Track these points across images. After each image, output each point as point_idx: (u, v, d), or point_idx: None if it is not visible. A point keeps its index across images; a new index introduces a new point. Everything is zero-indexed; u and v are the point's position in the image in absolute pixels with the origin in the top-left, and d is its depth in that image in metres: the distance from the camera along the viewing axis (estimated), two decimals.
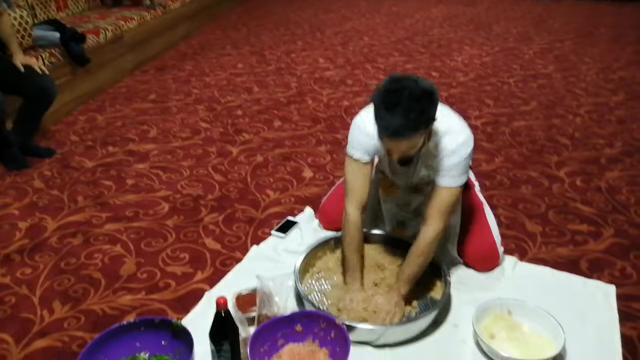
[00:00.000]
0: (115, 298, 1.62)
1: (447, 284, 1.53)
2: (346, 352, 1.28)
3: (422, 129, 1.31)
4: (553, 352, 1.34)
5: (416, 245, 1.49)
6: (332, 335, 1.37)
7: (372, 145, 1.49)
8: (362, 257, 1.60)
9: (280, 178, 2.35)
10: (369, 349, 1.41)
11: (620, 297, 1.59)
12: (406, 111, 1.25)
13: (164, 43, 4.47)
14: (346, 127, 2.88)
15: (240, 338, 1.36)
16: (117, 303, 1.60)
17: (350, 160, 1.53)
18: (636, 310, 1.56)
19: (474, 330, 1.41)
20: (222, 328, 1.27)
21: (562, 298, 1.59)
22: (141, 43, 4.04)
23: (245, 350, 1.31)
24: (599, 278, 1.69)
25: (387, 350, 1.41)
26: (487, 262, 1.70)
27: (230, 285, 1.62)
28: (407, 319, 1.47)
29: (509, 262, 1.74)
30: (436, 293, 1.57)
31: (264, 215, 2.06)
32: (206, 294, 1.61)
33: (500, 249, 1.72)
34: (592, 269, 1.74)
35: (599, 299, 1.59)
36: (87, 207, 2.12)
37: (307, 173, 2.40)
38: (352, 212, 1.54)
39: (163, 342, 1.36)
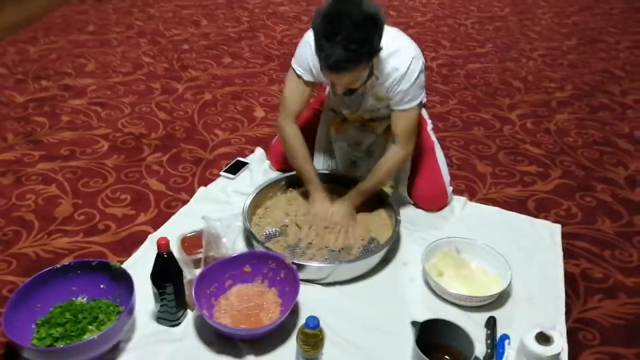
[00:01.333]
0: (50, 241, 1.52)
1: (397, 223, 1.52)
2: (295, 291, 1.25)
3: (365, 61, 1.25)
4: (499, 289, 1.36)
5: (383, 161, 1.51)
6: (282, 275, 1.33)
7: (316, 66, 1.41)
8: (313, 165, 1.60)
9: (230, 117, 2.24)
10: (317, 287, 1.39)
11: (565, 236, 1.63)
12: (347, 41, 1.18)
13: None
14: None
15: (186, 280, 1.31)
16: (52, 246, 1.50)
17: (292, 74, 1.50)
18: (579, 248, 1.60)
19: (423, 268, 1.41)
20: (165, 270, 1.21)
21: (510, 237, 1.61)
22: None
23: (191, 292, 1.26)
24: (545, 218, 1.72)
25: (336, 288, 1.39)
26: (436, 202, 1.70)
27: (176, 228, 1.54)
28: (357, 257, 1.45)
29: (458, 202, 1.74)
30: (386, 232, 1.55)
31: (213, 156, 1.97)
32: (149, 237, 1.53)
33: (449, 189, 1.71)
34: (540, 209, 1.77)
35: (545, 238, 1.62)
36: (17, 145, 1.96)
37: (259, 113, 2.30)
38: (288, 125, 1.54)
39: (102, 286, 1.29)
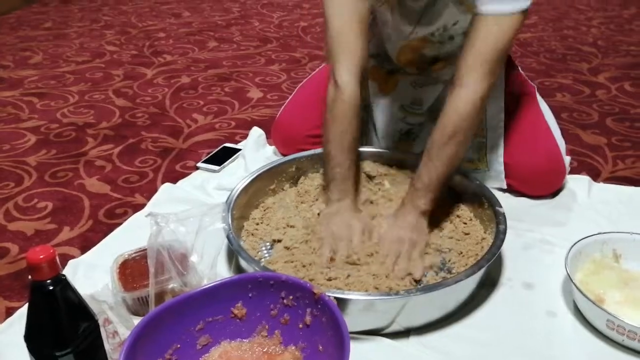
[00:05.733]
0: None
1: (499, 218, 0.87)
2: (341, 350, 0.59)
3: None
4: None
5: (442, 122, 0.84)
6: (308, 320, 0.67)
7: None
8: (356, 160, 0.93)
9: (215, 100, 1.62)
10: (381, 340, 0.72)
11: None
12: None
13: None
14: (306, 46, 2.17)
15: (116, 341, 0.66)
16: None
17: None
18: None
19: (575, 287, 0.75)
20: (54, 321, 0.55)
21: None
22: None
23: None
24: None
25: (413, 341, 0.73)
26: (549, 181, 1.04)
27: (119, 247, 0.89)
28: (442, 282, 0.78)
29: (580, 184, 1.09)
30: (476, 233, 0.90)
31: (188, 144, 1.33)
32: (70, 263, 0.88)
33: (566, 160, 1.06)
34: None
35: None
36: None
37: (255, 93, 1.68)
38: (346, 79, 0.87)
39: None
